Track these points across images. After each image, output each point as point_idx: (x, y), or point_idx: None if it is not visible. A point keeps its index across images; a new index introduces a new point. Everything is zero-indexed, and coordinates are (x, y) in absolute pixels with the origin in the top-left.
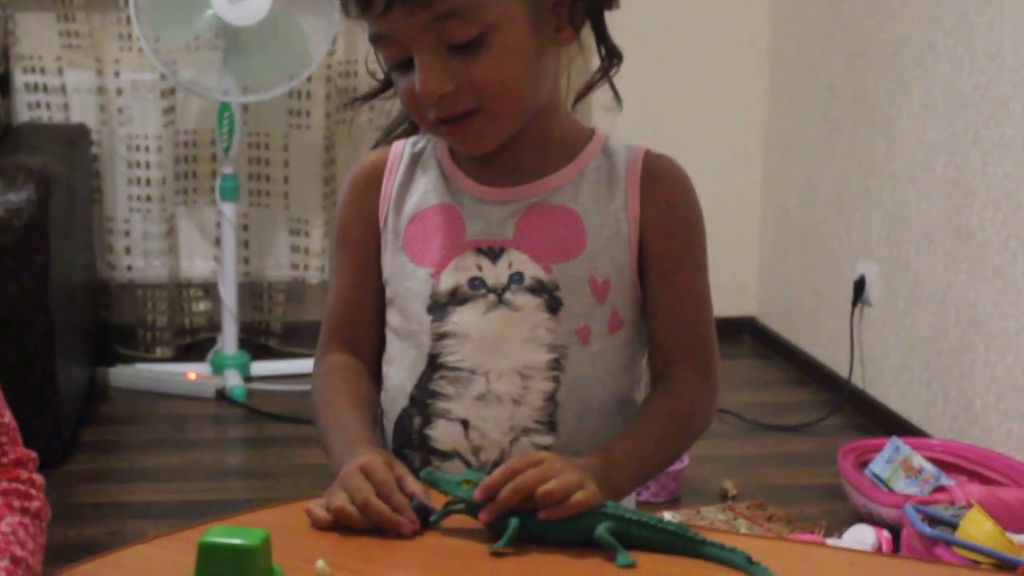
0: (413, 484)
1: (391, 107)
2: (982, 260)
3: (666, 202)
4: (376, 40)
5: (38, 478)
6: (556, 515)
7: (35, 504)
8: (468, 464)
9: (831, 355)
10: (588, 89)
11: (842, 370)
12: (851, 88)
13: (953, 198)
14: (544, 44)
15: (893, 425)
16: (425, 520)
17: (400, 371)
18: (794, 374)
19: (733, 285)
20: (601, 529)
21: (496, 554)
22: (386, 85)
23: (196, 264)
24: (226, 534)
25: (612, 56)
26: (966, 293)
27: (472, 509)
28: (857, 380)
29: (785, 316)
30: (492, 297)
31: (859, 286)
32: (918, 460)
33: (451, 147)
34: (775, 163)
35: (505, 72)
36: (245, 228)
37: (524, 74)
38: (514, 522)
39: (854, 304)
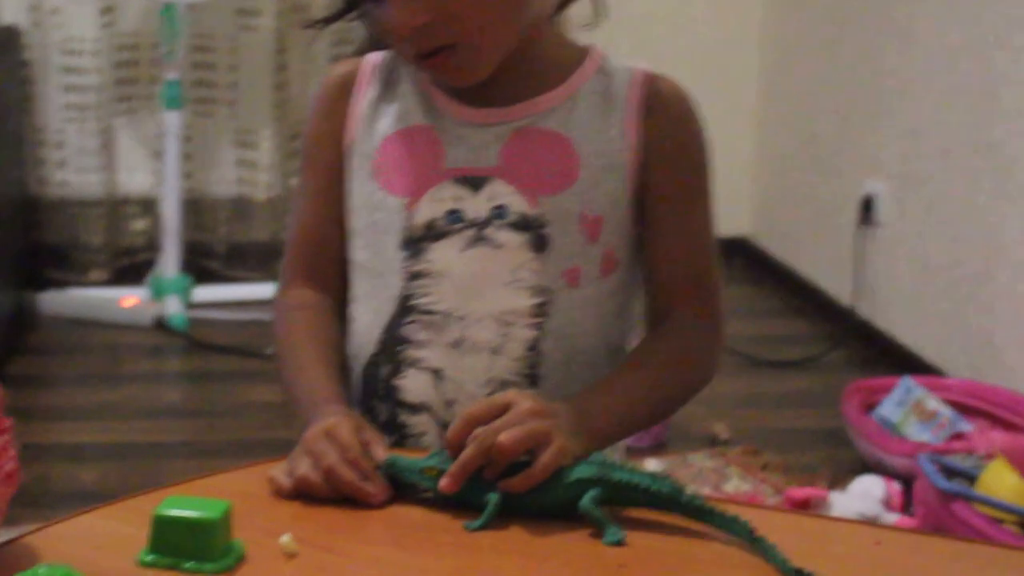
0: (381, 453)
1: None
2: (1007, 177)
3: (671, 131)
4: None
5: (7, 421)
6: (516, 487)
7: (9, 466)
8: (437, 419)
9: (834, 281)
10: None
11: (846, 298)
12: None
13: (975, 108)
14: None
15: (904, 362)
16: (397, 486)
17: (367, 312)
18: (792, 302)
19: (724, 201)
20: (587, 501)
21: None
22: (350, 5)
23: (135, 178)
24: (183, 506)
25: None
26: (988, 214)
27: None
28: (863, 310)
29: (782, 236)
30: (471, 232)
31: (866, 205)
32: (933, 402)
33: None
34: (772, 66)
35: (483, 1)
36: (188, 140)
37: (503, 1)
38: (494, 498)
39: (860, 224)
